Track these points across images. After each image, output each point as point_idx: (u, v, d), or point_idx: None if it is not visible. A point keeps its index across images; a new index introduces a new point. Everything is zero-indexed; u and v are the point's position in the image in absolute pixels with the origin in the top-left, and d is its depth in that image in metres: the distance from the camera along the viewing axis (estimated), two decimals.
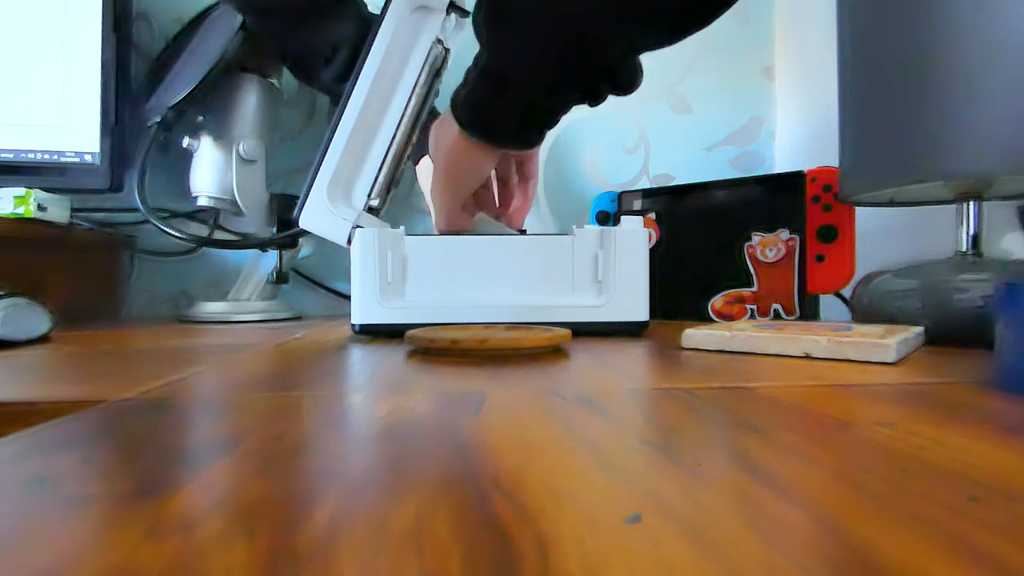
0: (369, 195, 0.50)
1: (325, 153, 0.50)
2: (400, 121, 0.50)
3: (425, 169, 0.66)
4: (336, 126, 0.50)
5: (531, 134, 0.46)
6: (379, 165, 0.50)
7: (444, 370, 0.31)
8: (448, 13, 0.50)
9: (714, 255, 0.61)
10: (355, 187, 0.50)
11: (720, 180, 0.62)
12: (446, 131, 0.46)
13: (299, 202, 0.50)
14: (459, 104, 0.44)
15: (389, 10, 0.50)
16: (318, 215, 0.49)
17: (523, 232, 0.58)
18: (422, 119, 0.53)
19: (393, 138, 0.50)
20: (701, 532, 0.11)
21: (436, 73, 0.51)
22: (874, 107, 0.42)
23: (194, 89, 0.62)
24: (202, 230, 0.75)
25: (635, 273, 0.47)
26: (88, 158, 0.69)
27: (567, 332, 0.39)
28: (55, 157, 0.68)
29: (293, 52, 0.62)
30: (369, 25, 0.61)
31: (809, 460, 0.16)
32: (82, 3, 0.68)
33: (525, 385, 0.26)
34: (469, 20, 0.52)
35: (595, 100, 0.43)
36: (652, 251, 0.49)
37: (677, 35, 0.39)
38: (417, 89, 0.50)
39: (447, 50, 0.51)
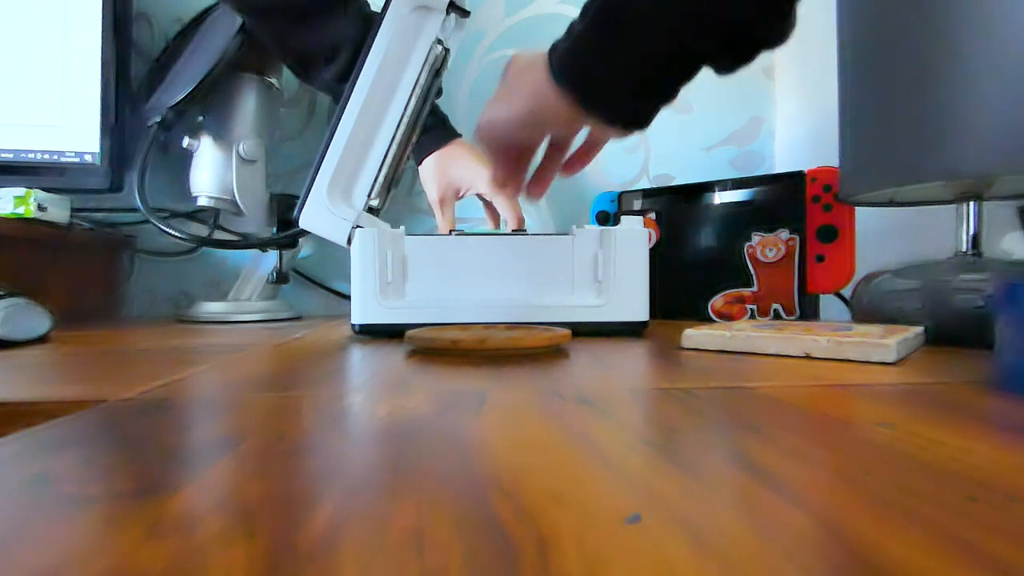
0: (369, 195, 0.50)
1: (325, 153, 0.50)
2: (400, 121, 0.50)
3: (429, 170, 0.66)
4: (336, 126, 0.49)
5: (643, 105, 0.37)
6: (379, 165, 0.50)
7: (444, 370, 0.31)
8: (448, 13, 0.50)
9: (714, 255, 0.61)
10: (355, 187, 0.50)
11: (720, 180, 0.62)
12: (533, 70, 0.37)
13: (299, 202, 0.50)
14: (559, 55, 0.36)
15: (389, 10, 0.50)
16: (318, 215, 0.49)
17: (523, 231, 0.58)
18: (422, 119, 0.53)
19: (393, 138, 0.50)
20: (701, 532, 0.11)
21: (436, 73, 0.51)
22: (874, 107, 0.42)
23: (194, 89, 0.62)
24: (202, 230, 0.75)
25: (635, 273, 0.47)
26: (88, 158, 0.69)
27: (567, 332, 0.39)
28: (55, 157, 0.68)
29: (294, 52, 0.62)
30: (371, 24, 0.61)
31: (809, 460, 0.16)
32: (82, 3, 0.68)
33: (525, 385, 0.26)
34: (468, 20, 0.52)
35: (735, 56, 0.34)
36: (652, 251, 0.49)
37: None
38: (417, 89, 0.50)
39: (447, 50, 0.51)
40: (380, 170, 0.50)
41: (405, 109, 0.50)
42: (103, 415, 0.21)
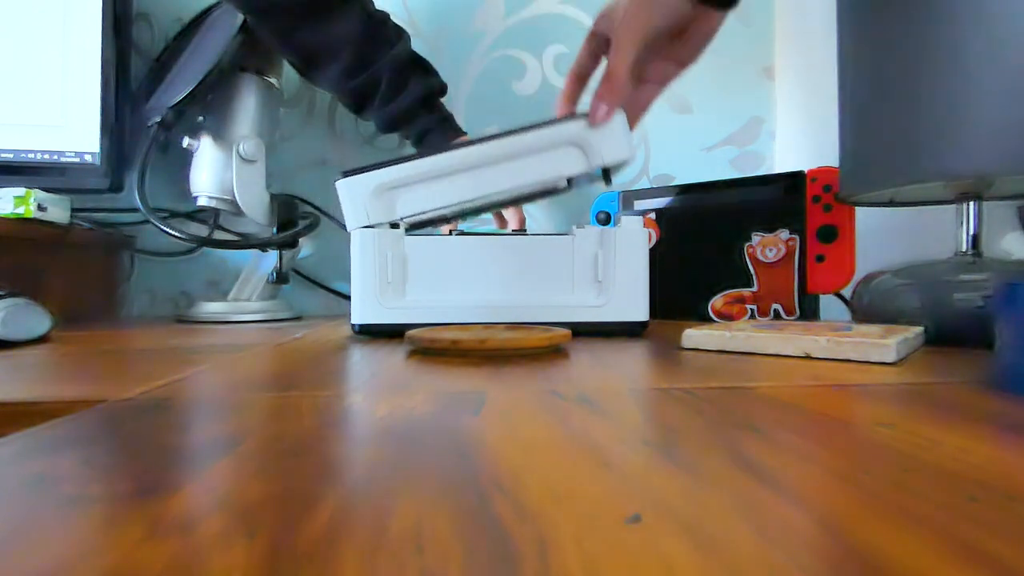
0: (404, 218, 0.49)
1: (405, 162, 0.48)
2: (481, 199, 0.48)
3: None
4: (436, 152, 0.48)
5: None
6: (434, 208, 0.49)
7: (444, 370, 0.31)
8: (596, 170, 0.48)
9: (714, 255, 0.61)
10: (399, 204, 0.49)
11: (720, 180, 0.62)
12: None
13: (354, 169, 0.48)
14: None
15: (552, 128, 0.47)
16: (353, 194, 0.48)
17: (523, 231, 0.58)
18: (499, 208, 0.52)
19: (465, 203, 0.49)
20: (701, 532, 0.11)
21: (545, 193, 0.50)
22: (874, 107, 0.42)
23: (194, 89, 0.62)
24: (202, 230, 0.75)
25: (635, 273, 0.47)
26: (88, 158, 0.69)
27: (567, 332, 0.39)
28: (55, 157, 0.68)
29: (297, 50, 0.62)
30: (373, 22, 0.61)
31: (809, 460, 0.16)
32: (82, 3, 0.68)
33: (525, 385, 0.26)
34: (602, 183, 0.51)
35: None
36: (652, 251, 0.49)
37: None
38: (518, 192, 0.48)
39: (569, 186, 0.49)
40: (431, 212, 0.49)
41: (495, 196, 0.48)
42: (103, 415, 0.21)
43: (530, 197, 0.49)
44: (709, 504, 0.13)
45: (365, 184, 0.48)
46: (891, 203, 0.49)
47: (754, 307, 0.59)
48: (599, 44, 0.53)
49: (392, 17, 0.64)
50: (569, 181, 0.48)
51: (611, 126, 0.47)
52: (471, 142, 0.48)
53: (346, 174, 0.48)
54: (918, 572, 0.10)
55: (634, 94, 0.51)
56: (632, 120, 0.53)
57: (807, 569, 0.10)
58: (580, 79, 0.54)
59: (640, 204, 0.67)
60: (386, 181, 0.48)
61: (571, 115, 0.48)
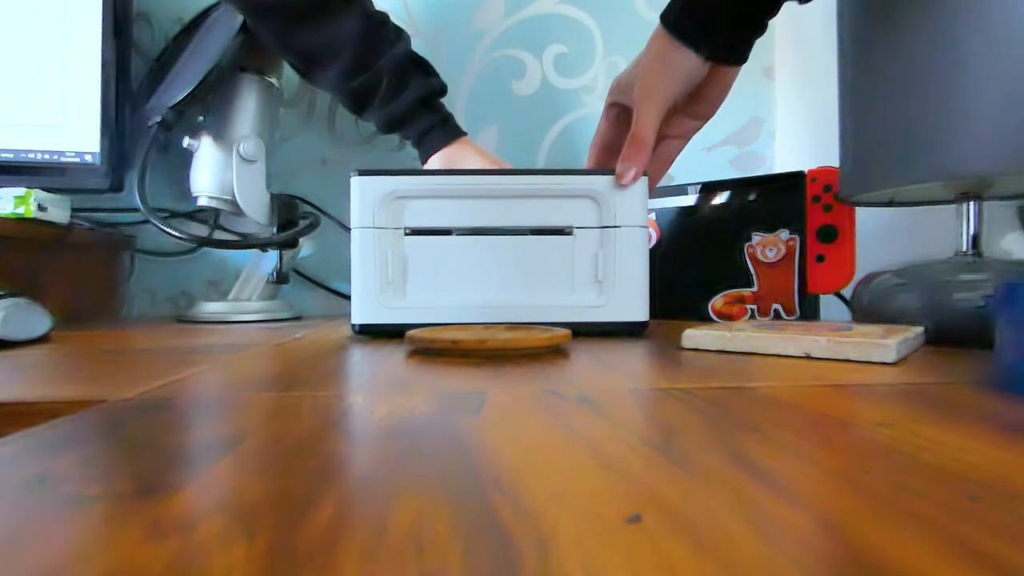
0: (409, 228, 0.49)
1: (424, 174, 0.50)
2: (489, 227, 0.48)
3: (435, 168, 0.66)
4: (458, 172, 0.49)
5: (738, 38, 0.46)
6: (441, 226, 0.48)
7: (444, 370, 0.31)
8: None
9: (714, 255, 0.61)
10: (408, 213, 0.48)
11: (720, 180, 0.62)
12: (652, 38, 0.48)
13: (372, 169, 0.49)
14: (668, 13, 0.46)
15: (578, 177, 0.48)
16: (365, 193, 0.48)
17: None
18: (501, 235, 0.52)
19: (472, 227, 0.48)
20: (701, 532, 0.11)
21: (551, 232, 0.49)
22: (874, 107, 0.42)
23: (194, 89, 0.62)
24: (202, 230, 0.75)
25: (635, 273, 0.47)
26: (88, 158, 0.69)
27: (567, 332, 0.39)
28: (55, 157, 0.68)
29: (295, 51, 0.62)
30: (373, 23, 0.61)
31: (809, 460, 0.16)
32: (82, 3, 0.68)
33: (525, 385, 0.26)
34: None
35: None
36: (652, 251, 0.49)
37: None
38: (526, 228, 0.49)
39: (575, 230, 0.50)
40: (438, 227, 0.49)
41: (501, 226, 0.48)
42: (103, 415, 0.21)
43: (535, 233, 0.50)
44: (709, 504, 0.13)
45: (379, 187, 0.48)
46: (891, 203, 0.49)
47: (754, 307, 0.59)
48: (618, 114, 0.54)
49: (392, 17, 0.64)
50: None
51: (632, 190, 0.47)
52: (494, 171, 0.49)
53: (362, 172, 0.48)
54: (918, 572, 0.10)
55: (658, 148, 0.52)
56: (657, 174, 0.55)
57: (807, 569, 0.10)
58: (604, 150, 0.56)
59: None
60: (400, 189, 0.48)
61: (599, 170, 0.50)
